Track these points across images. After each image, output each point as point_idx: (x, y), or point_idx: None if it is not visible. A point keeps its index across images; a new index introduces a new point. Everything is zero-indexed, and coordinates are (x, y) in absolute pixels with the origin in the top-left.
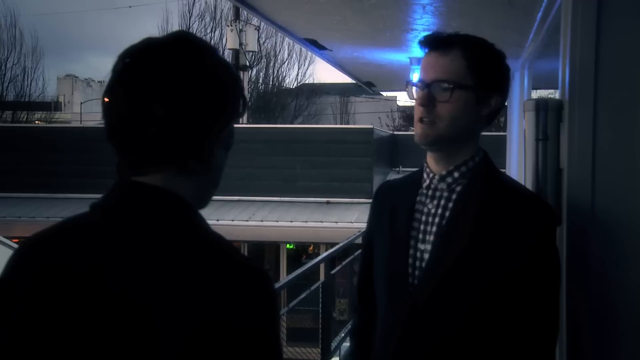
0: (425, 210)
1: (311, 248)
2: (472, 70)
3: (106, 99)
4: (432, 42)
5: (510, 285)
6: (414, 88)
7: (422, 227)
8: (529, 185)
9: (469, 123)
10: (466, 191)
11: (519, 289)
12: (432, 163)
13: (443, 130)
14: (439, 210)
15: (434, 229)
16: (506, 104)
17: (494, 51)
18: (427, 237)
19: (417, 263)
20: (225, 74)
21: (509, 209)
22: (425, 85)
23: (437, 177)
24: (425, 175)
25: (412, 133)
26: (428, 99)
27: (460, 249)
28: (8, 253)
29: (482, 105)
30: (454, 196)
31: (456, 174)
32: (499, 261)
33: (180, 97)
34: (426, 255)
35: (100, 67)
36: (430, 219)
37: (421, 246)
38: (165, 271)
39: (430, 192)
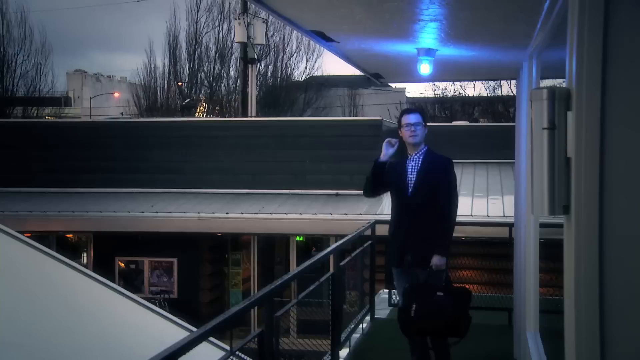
0: (410, 166)
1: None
2: (424, 118)
3: None
4: (413, 110)
5: (439, 184)
6: (405, 124)
7: (410, 171)
8: (536, 174)
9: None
10: (421, 158)
11: (441, 185)
12: (411, 149)
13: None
14: (415, 164)
15: (415, 172)
16: (515, 94)
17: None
18: (413, 175)
19: (410, 184)
20: None
21: (436, 161)
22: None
23: (414, 155)
24: (409, 154)
25: None
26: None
27: (423, 177)
28: (21, 247)
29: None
30: (419, 161)
31: (419, 153)
32: (435, 178)
33: None
34: (412, 181)
35: (106, 63)
36: (413, 168)
37: (411, 177)
38: None
39: (411, 159)
